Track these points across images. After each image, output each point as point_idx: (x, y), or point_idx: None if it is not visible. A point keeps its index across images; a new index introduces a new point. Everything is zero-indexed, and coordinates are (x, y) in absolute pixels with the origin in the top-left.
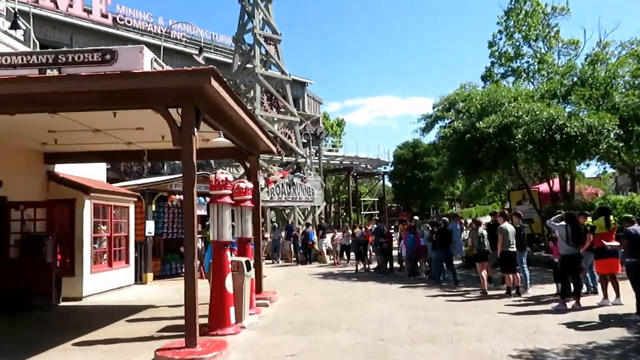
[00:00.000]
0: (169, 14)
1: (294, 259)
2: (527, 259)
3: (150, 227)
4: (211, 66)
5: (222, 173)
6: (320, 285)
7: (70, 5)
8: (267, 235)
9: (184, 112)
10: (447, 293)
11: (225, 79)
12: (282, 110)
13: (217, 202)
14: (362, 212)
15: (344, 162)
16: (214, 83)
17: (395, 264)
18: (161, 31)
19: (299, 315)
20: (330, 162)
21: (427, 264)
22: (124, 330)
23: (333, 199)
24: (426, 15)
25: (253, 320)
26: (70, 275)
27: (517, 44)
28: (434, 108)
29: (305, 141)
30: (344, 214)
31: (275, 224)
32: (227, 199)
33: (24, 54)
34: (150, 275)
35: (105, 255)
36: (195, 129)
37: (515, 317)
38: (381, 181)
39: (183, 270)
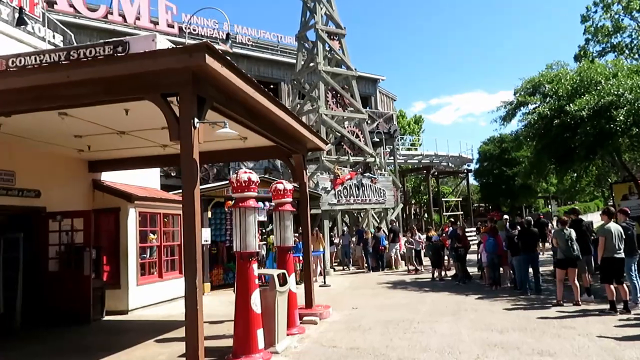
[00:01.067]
0: (234, 19)
1: (366, 265)
2: (637, 266)
3: (206, 234)
4: (205, 41)
5: (245, 172)
6: (384, 296)
7: (138, 18)
8: (337, 240)
9: (182, 100)
10: (532, 307)
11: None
12: (350, 108)
13: (240, 206)
14: (445, 213)
15: (422, 161)
16: (210, 61)
17: (477, 271)
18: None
19: (346, 338)
20: (408, 161)
21: (511, 271)
22: (143, 354)
23: (413, 200)
24: (513, 4)
25: (290, 343)
26: (115, 287)
27: (617, 16)
28: (515, 94)
29: (378, 140)
30: (425, 215)
31: (345, 229)
32: (252, 202)
33: (36, 53)
34: (207, 286)
35: (155, 265)
36: (197, 120)
37: (623, 343)
38: (465, 180)
39: None
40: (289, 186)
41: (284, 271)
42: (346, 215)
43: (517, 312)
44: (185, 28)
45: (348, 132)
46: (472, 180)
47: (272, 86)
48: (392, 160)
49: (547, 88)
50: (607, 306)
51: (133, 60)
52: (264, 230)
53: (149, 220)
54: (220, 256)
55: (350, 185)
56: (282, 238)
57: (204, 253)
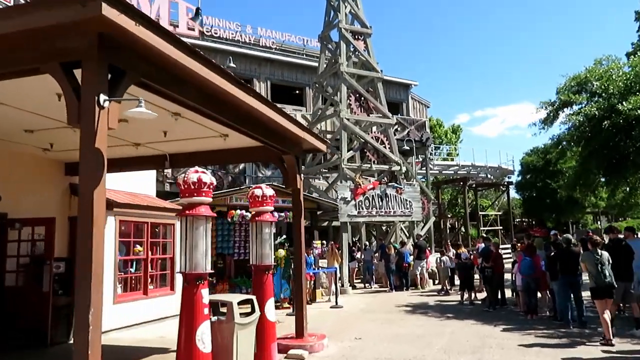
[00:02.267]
0: (257, 22)
1: (390, 284)
2: None
3: None
4: None
5: (196, 172)
6: (398, 323)
7: (158, 21)
8: (358, 255)
9: (85, 70)
10: (574, 344)
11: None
12: (376, 114)
13: (187, 215)
14: (483, 228)
15: (458, 172)
16: (113, 14)
17: (511, 295)
18: (249, 40)
19: None
20: (443, 172)
21: (551, 297)
22: None
23: (450, 214)
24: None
25: None
26: None
27: None
28: (557, 93)
29: (409, 148)
30: (462, 230)
31: (367, 243)
32: (203, 210)
33: None
34: None
35: (140, 281)
36: (105, 97)
37: None
38: (506, 193)
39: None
40: (269, 192)
41: (252, 297)
42: (374, 229)
43: (554, 351)
44: (207, 31)
45: (372, 137)
46: (513, 194)
47: (297, 91)
48: (425, 171)
49: (595, 85)
50: None
51: (21, 13)
52: (275, 243)
53: (133, 230)
54: (227, 270)
55: (372, 195)
56: (259, 255)
57: None
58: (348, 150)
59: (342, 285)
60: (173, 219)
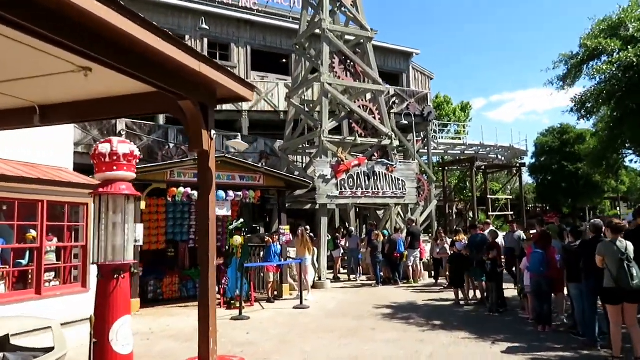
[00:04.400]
0: None
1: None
2: None
3: (137, 232)
4: None
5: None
6: (364, 337)
7: None
8: (343, 242)
9: None
10: None
11: None
12: (368, 80)
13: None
14: (492, 213)
15: (466, 152)
16: None
17: (517, 295)
18: None
19: None
20: (448, 152)
21: (569, 302)
22: None
23: (457, 198)
24: None
25: None
26: None
27: None
28: (581, 47)
29: (407, 123)
30: (470, 215)
31: (352, 229)
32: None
33: None
34: (135, 302)
35: (32, 276)
36: None
37: None
38: (518, 175)
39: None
40: (124, 148)
41: (52, 322)
42: (368, 213)
43: None
44: None
45: (359, 106)
46: (527, 178)
47: (283, 60)
48: (427, 150)
49: (633, 28)
50: None
51: None
52: (230, 228)
53: (17, 211)
54: (179, 260)
55: (357, 173)
56: (106, 247)
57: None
58: (330, 121)
59: (319, 278)
60: (88, 197)
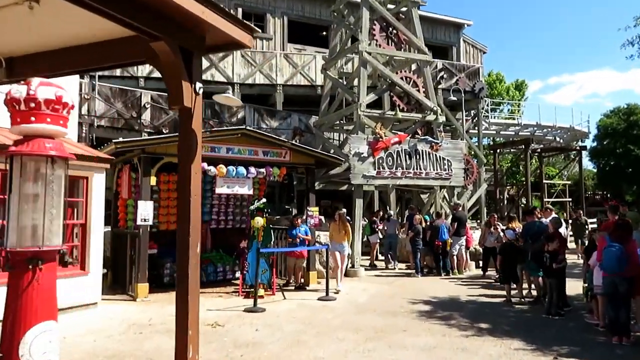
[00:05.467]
0: None
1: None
2: None
3: (145, 210)
4: None
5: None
6: (393, 342)
7: None
8: (381, 227)
9: None
10: None
11: None
12: (412, 49)
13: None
14: (548, 199)
15: (520, 133)
16: None
17: (582, 295)
18: None
19: None
20: (501, 132)
21: None
22: None
23: (508, 182)
24: None
25: None
26: None
27: None
28: None
29: (456, 100)
30: (523, 201)
31: (391, 213)
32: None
33: None
34: (143, 288)
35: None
36: None
37: None
38: (578, 159)
39: (231, 275)
40: (46, 93)
41: None
42: (411, 195)
43: None
44: None
45: (402, 78)
46: (586, 162)
47: (323, 32)
48: (477, 131)
49: None
50: None
51: None
52: (251, 209)
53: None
54: (203, 242)
55: (397, 151)
56: (19, 227)
57: (141, 238)
58: (369, 94)
59: (353, 266)
60: (87, 170)
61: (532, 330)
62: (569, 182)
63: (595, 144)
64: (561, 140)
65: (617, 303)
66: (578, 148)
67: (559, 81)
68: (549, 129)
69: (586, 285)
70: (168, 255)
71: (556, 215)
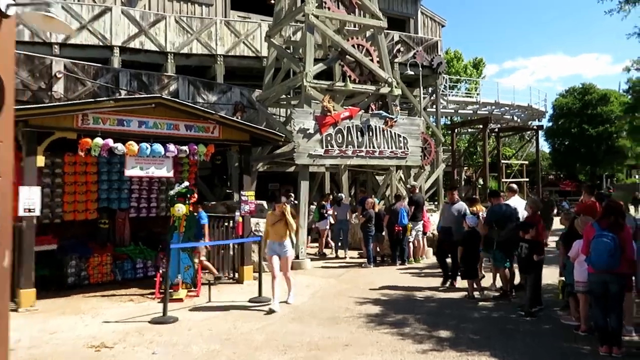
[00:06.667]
0: None
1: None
2: None
3: (30, 198)
4: None
5: None
6: None
7: None
8: (331, 211)
9: None
10: None
11: None
12: (365, 14)
13: None
14: (505, 180)
15: (479, 112)
16: None
17: (558, 292)
18: None
19: None
20: (460, 111)
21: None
22: None
23: (466, 162)
24: None
25: None
26: None
27: None
28: None
29: (413, 74)
30: (480, 182)
31: (342, 196)
32: None
33: None
34: (27, 294)
35: None
36: None
37: None
38: (535, 138)
39: (153, 272)
40: None
41: None
42: (366, 177)
43: None
44: None
45: (353, 46)
46: (542, 143)
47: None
48: (435, 108)
49: None
50: None
51: None
52: (171, 194)
53: None
54: (116, 234)
55: (348, 127)
56: None
57: (24, 232)
58: (317, 64)
59: (297, 257)
60: None
61: (503, 337)
62: (526, 162)
63: (551, 124)
64: (519, 120)
65: (607, 306)
66: (535, 127)
67: (513, 65)
68: (507, 108)
69: (563, 279)
70: (74, 251)
71: (534, 197)
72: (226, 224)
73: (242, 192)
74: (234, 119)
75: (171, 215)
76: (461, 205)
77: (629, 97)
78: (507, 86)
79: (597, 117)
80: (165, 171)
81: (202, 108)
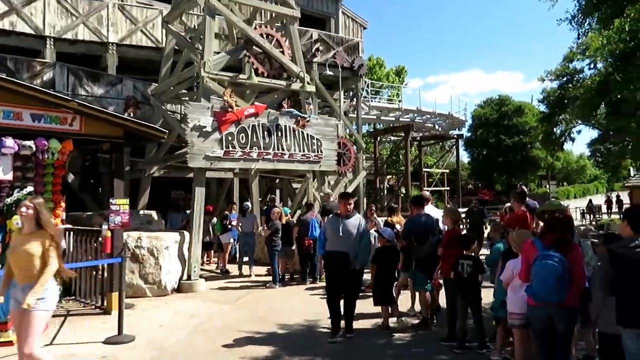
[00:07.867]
0: None
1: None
2: None
3: None
4: None
5: None
6: None
7: None
8: (234, 222)
9: None
10: None
11: None
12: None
13: None
14: (427, 189)
15: (401, 119)
16: None
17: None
18: None
19: None
20: (382, 117)
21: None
22: None
23: (389, 171)
24: None
25: None
26: None
27: None
28: None
29: (333, 75)
30: (402, 190)
31: (248, 205)
32: None
33: None
34: None
35: None
36: None
37: None
38: (455, 147)
39: None
40: None
41: None
42: (278, 183)
43: None
44: None
45: (261, 34)
46: (462, 152)
47: None
48: (356, 114)
49: None
50: None
51: None
52: (7, 202)
53: None
54: None
55: (253, 125)
56: None
57: None
58: (219, 53)
59: (189, 278)
60: None
61: None
62: (447, 171)
63: (469, 134)
64: (440, 129)
65: (553, 347)
66: (456, 136)
67: (436, 80)
68: (429, 116)
69: (494, 302)
70: None
71: (453, 206)
72: (100, 239)
73: (111, 200)
74: (100, 109)
75: (8, 230)
76: (357, 219)
77: (544, 106)
78: (429, 99)
79: (513, 127)
80: (1, 173)
81: (55, 93)
